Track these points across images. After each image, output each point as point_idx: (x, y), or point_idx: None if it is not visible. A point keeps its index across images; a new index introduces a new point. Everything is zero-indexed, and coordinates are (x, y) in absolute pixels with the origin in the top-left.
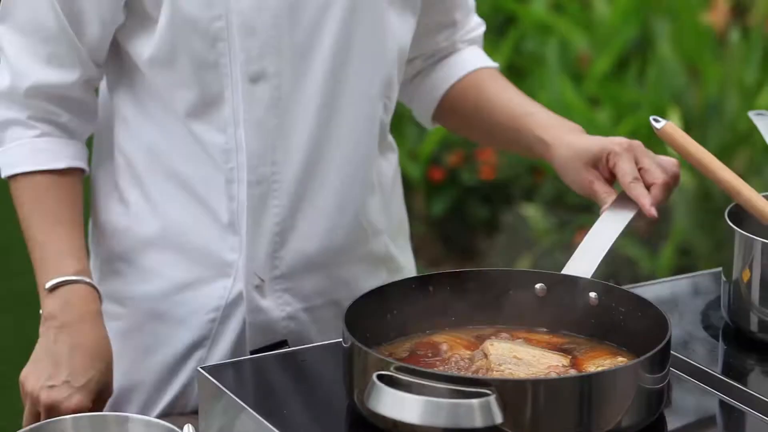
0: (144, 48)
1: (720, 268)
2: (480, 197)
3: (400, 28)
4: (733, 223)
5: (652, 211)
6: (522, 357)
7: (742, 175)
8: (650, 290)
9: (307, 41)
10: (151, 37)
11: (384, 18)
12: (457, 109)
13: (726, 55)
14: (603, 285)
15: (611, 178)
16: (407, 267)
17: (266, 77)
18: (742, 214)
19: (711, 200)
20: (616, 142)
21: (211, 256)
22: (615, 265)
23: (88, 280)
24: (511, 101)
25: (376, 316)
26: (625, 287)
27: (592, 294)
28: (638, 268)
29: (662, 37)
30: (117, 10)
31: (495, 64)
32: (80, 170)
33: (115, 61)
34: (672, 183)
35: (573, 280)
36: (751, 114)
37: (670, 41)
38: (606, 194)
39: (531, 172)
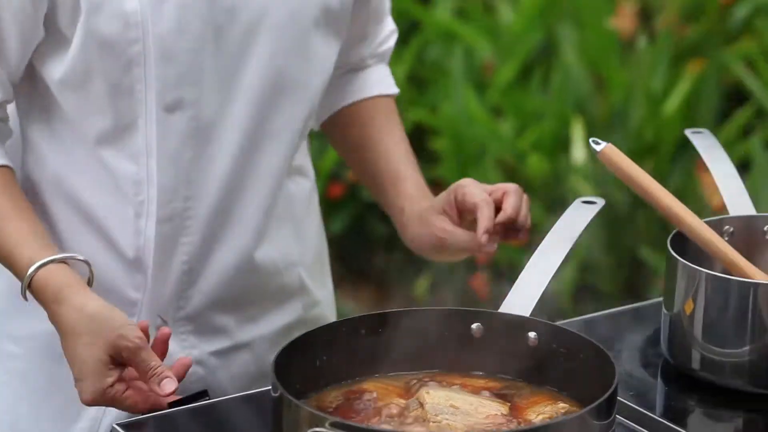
0: (56, 69)
1: (661, 298)
2: (380, 214)
3: (326, 55)
4: (675, 251)
5: (483, 239)
6: (459, 406)
7: None
8: (587, 324)
9: (232, 68)
10: (64, 57)
11: (310, 44)
12: (343, 132)
13: (632, 62)
14: (542, 324)
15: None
16: (324, 300)
17: (183, 106)
18: (684, 242)
19: (613, 216)
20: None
21: (114, 293)
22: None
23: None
24: (391, 155)
25: (304, 363)
26: (561, 323)
27: (531, 334)
28: None
29: (567, 44)
30: (37, 26)
31: (394, 91)
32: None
33: (26, 82)
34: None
35: (510, 319)
36: (688, 132)
37: (575, 48)
38: (462, 234)
39: (431, 188)
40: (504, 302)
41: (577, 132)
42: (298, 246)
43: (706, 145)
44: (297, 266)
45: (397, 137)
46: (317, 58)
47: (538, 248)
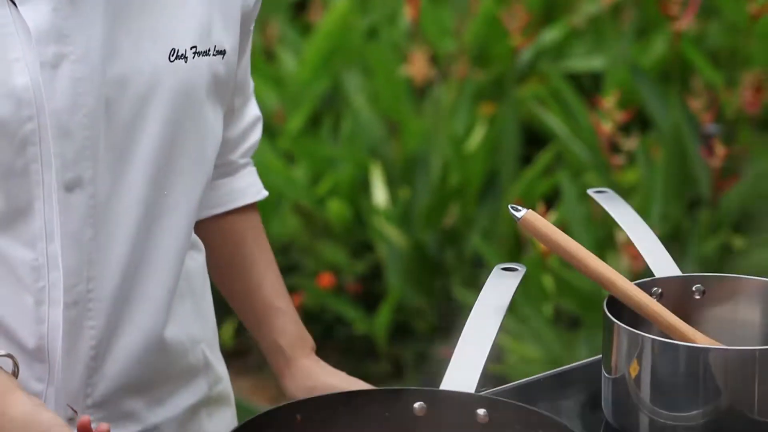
0: None
1: (593, 358)
2: None
3: (215, 124)
4: (611, 313)
5: None
6: None
7: (456, 228)
8: (520, 390)
9: (125, 142)
10: None
11: (203, 112)
12: (212, 250)
13: (429, 107)
14: (490, 400)
15: None
16: (224, 376)
17: (82, 184)
18: (618, 304)
19: (423, 255)
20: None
21: None
22: (326, 323)
23: None
24: (263, 284)
25: None
26: (488, 392)
27: (480, 411)
28: (354, 329)
29: (356, 91)
30: None
31: (263, 195)
32: None
33: None
34: None
35: (455, 396)
36: (591, 192)
37: (365, 94)
38: None
39: None
40: (444, 378)
41: (376, 176)
42: (199, 322)
43: (615, 206)
44: (200, 343)
45: (268, 259)
46: (209, 127)
47: (469, 321)
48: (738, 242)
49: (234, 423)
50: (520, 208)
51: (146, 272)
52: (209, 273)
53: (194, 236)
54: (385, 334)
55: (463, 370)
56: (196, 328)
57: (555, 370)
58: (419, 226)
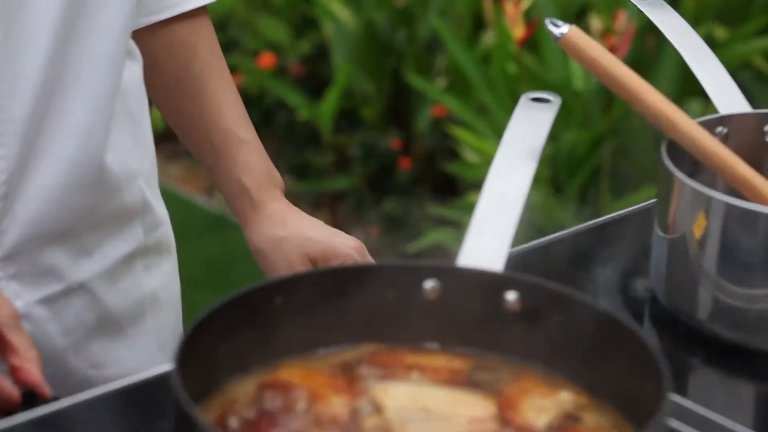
0: None
1: (624, 211)
2: None
3: None
4: (671, 160)
5: None
6: (432, 407)
7: (410, 6)
8: (541, 250)
9: None
10: None
11: None
12: (155, 67)
13: None
14: (525, 283)
15: None
16: (165, 219)
17: None
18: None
19: (373, 36)
20: (350, 246)
21: None
22: (266, 108)
23: None
24: (221, 106)
25: (204, 351)
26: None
27: (510, 295)
28: (297, 115)
29: None
30: None
31: None
32: None
33: None
34: None
35: (477, 275)
36: (636, 1)
37: None
38: None
39: None
40: (463, 250)
41: None
42: (136, 152)
43: (670, 24)
44: (136, 178)
45: (225, 78)
46: None
47: (492, 172)
48: (720, 33)
49: (175, 275)
50: (560, 23)
51: (70, 85)
52: (150, 94)
53: (130, 42)
54: (329, 122)
55: (487, 240)
56: (133, 159)
57: (587, 223)
58: (370, 2)
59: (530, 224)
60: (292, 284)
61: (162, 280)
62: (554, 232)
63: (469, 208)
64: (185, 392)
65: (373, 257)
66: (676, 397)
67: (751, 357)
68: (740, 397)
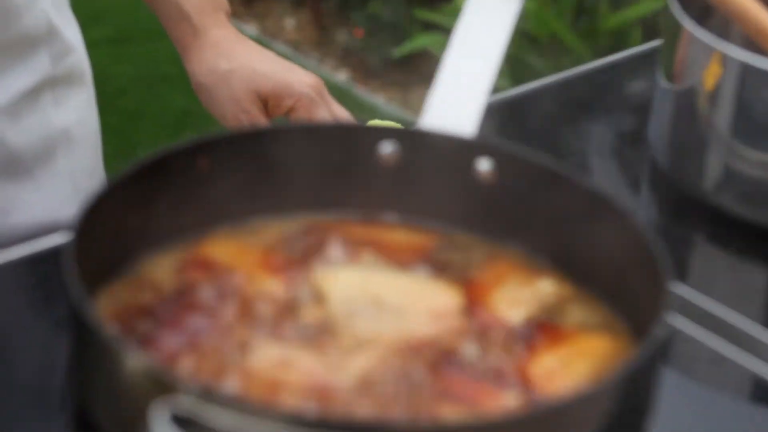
0: None
1: (621, 56)
2: None
3: None
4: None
5: None
6: (385, 298)
7: None
8: (518, 101)
9: None
10: None
11: None
12: None
13: None
14: (501, 151)
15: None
16: (77, 46)
17: None
18: None
19: None
20: (306, 84)
21: None
22: None
23: None
24: None
25: (112, 222)
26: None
27: (484, 165)
28: None
29: None
30: None
31: None
32: None
33: None
34: None
35: (443, 140)
36: None
37: None
38: None
39: None
40: (426, 109)
41: None
42: None
43: None
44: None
45: None
46: None
47: (466, 8)
48: None
49: (91, 108)
50: None
51: None
52: None
53: None
54: None
55: (457, 96)
56: None
57: (579, 68)
58: None
59: (522, 33)
60: (219, 144)
61: (75, 114)
62: (548, 43)
63: (458, 14)
64: (79, 284)
65: (357, 60)
66: (675, 286)
67: (763, 236)
68: (750, 284)
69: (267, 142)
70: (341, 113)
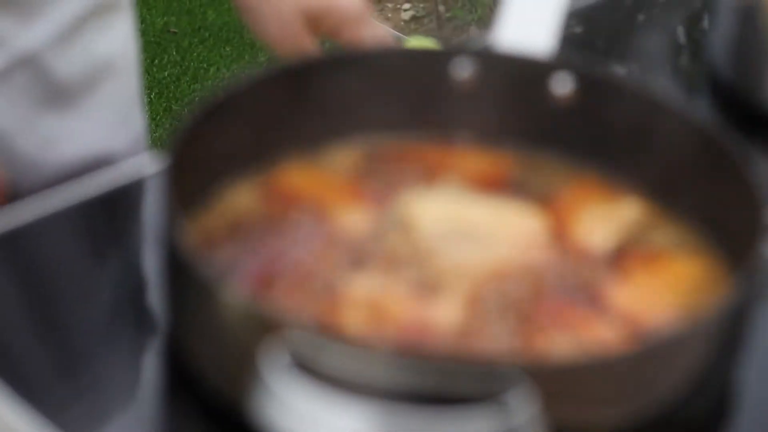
0: None
1: None
2: None
3: None
4: None
5: None
6: (470, 223)
7: None
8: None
9: None
10: None
11: None
12: None
13: None
14: (578, 68)
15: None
16: None
17: None
18: None
19: None
20: (353, 1)
21: None
22: None
23: None
24: None
25: (200, 149)
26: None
27: (560, 84)
28: None
29: None
30: None
31: None
32: None
33: None
34: None
35: (520, 58)
36: None
37: None
38: None
39: None
40: (497, 26)
41: None
42: None
43: None
44: None
45: None
46: None
47: None
48: None
49: (131, 36)
50: None
51: None
52: None
53: None
54: None
55: (529, 17)
56: None
57: None
58: None
59: None
60: (300, 72)
61: (117, 42)
62: None
63: None
64: (179, 216)
65: None
66: None
67: None
68: None
69: (341, 69)
70: (384, 33)
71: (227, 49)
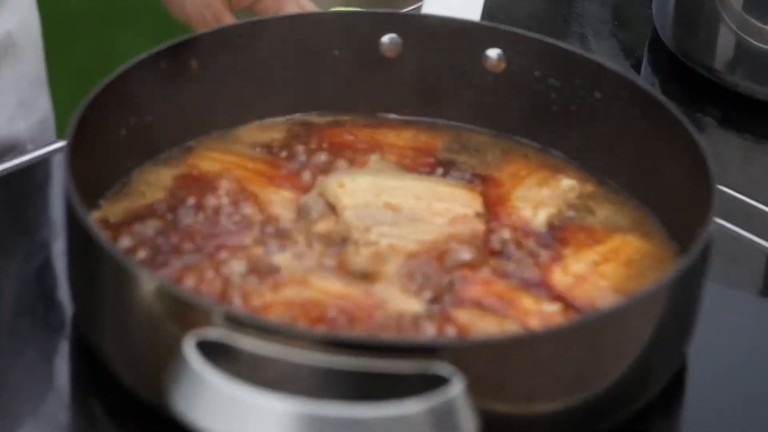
0: None
1: None
2: None
3: None
4: None
5: None
6: (400, 204)
7: None
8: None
9: None
10: None
11: None
12: None
13: None
14: (508, 35)
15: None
16: None
17: None
18: None
19: None
20: None
21: None
22: None
23: None
24: None
25: (102, 132)
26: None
27: (492, 52)
28: None
29: None
30: None
31: None
32: None
33: None
34: None
35: (450, 25)
36: None
37: None
38: None
39: None
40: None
41: None
42: None
43: None
44: None
45: None
46: None
47: None
48: None
49: (33, 12)
50: None
51: None
52: None
53: None
54: None
55: None
56: None
57: None
58: None
59: None
60: (210, 41)
61: (17, 17)
62: None
63: None
64: (77, 195)
65: None
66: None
67: None
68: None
69: (256, 35)
70: (309, 5)
71: (142, 29)
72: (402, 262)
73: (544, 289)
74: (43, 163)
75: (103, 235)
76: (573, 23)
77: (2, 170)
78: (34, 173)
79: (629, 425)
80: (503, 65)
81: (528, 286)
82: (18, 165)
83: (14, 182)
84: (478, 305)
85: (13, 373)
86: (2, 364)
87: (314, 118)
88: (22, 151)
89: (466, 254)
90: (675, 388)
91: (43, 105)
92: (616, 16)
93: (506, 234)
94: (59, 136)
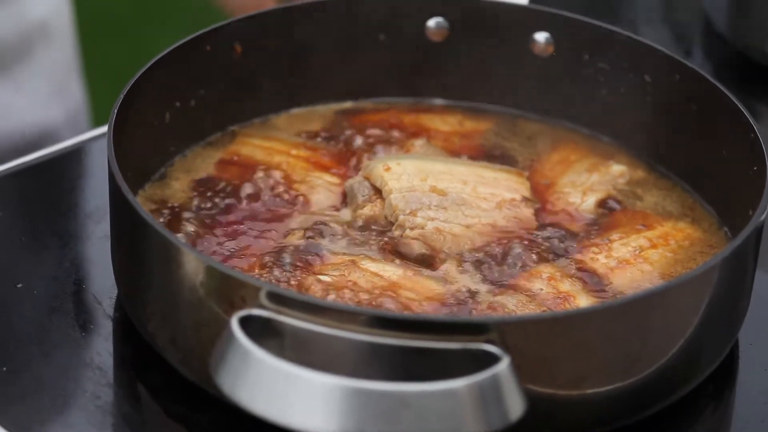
0: None
1: None
2: None
3: None
4: None
5: None
6: (446, 188)
7: None
8: None
9: None
10: None
11: None
12: None
13: None
14: (556, 18)
15: None
16: None
17: None
18: None
19: None
20: None
21: None
22: None
23: None
24: None
25: (144, 116)
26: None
27: (540, 36)
28: None
29: None
30: None
31: None
32: None
33: None
34: None
35: (496, 8)
36: None
37: None
38: None
39: None
40: None
41: None
42: None
43: None
44: None
45: None
46: None
47: None
48: None
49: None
50: None
51: None
52: None
53: None
54: None
55: None
56: None
57: None
58: None
59: None
60: (256, 25)
61: (51, 5)
62: None
63: None
64: (123, 179)
65: None
66: None
67: None
68: None
69: (298, 20)
70: None
71: (180, 26)
72: (450, 245)
73: (591, 273)
74: (78, 151)
75: (150, 215)
76: (623, 10)
77: (39, 157)
78: (69, 161)
79: (680, 408)
80: (551, 49)
81: (575, 271)
82: (54, 152)
83: (55, 168)
84: (526, 287)
85: (59, 352)
86: (47, 344)
87: (358, 103)
88: (57, 140)
89: (514, 238)
90: (726, 372)
91: (76, 92)
92: (666, 2)
93: (555, 217)
94: (95, 126)
